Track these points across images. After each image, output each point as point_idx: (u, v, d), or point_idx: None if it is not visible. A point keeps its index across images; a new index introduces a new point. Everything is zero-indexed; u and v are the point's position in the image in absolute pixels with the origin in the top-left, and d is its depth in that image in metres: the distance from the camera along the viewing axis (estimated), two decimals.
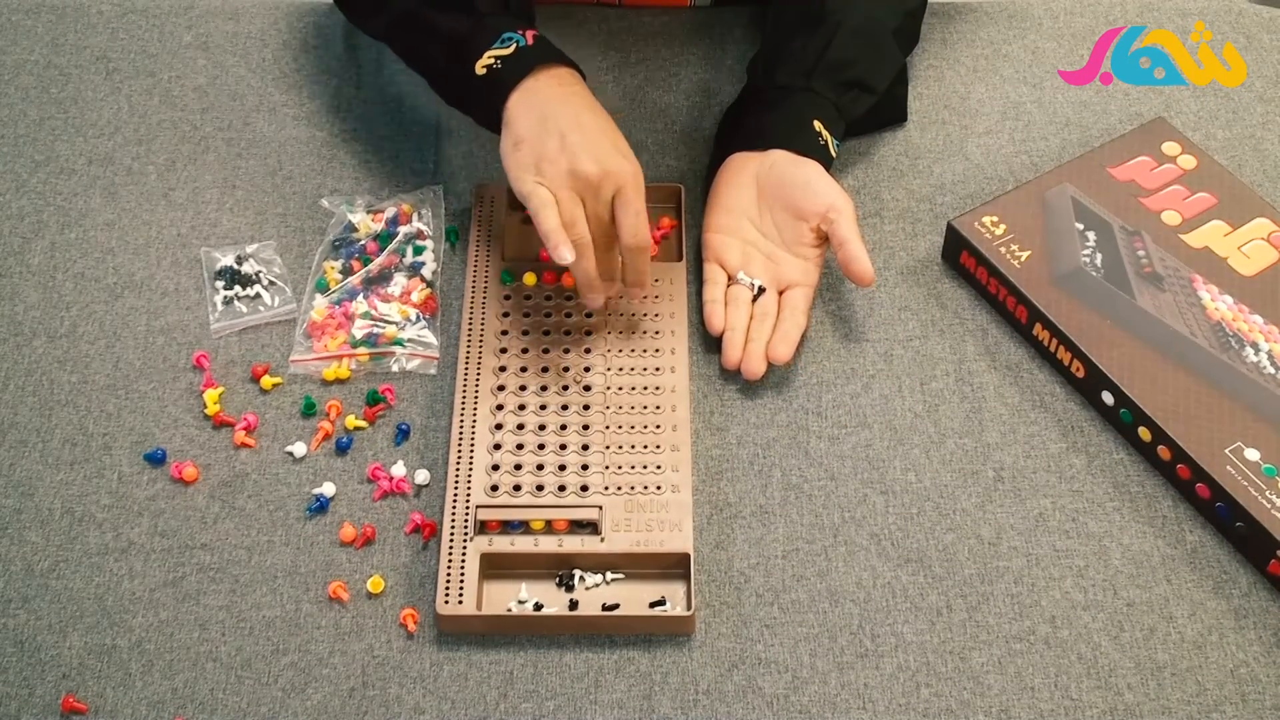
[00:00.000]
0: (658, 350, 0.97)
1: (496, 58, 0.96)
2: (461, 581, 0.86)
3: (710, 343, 1.00)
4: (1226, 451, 0.90)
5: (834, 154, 1.02)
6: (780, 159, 1.01)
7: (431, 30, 1.01)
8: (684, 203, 1.06)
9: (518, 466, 0.91)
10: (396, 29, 1.05)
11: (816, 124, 1.02)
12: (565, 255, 0.91)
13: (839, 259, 0.98)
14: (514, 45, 0.97)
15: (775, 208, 1.00)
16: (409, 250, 1.03)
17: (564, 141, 0.92)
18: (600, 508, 0.89)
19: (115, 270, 1.04)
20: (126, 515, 0.91)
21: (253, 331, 1.00)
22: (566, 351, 0.97)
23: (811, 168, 1.00)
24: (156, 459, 0.93)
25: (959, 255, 1.03)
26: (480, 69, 0.96)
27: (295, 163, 1.11)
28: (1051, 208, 1.03)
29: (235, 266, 1.03)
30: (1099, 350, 0.95)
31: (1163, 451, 0.92)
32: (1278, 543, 0.86)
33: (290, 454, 0.94)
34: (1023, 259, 1.00)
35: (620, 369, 0.96)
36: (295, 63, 1.18)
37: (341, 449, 0.94)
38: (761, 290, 0.99)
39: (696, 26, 1.20)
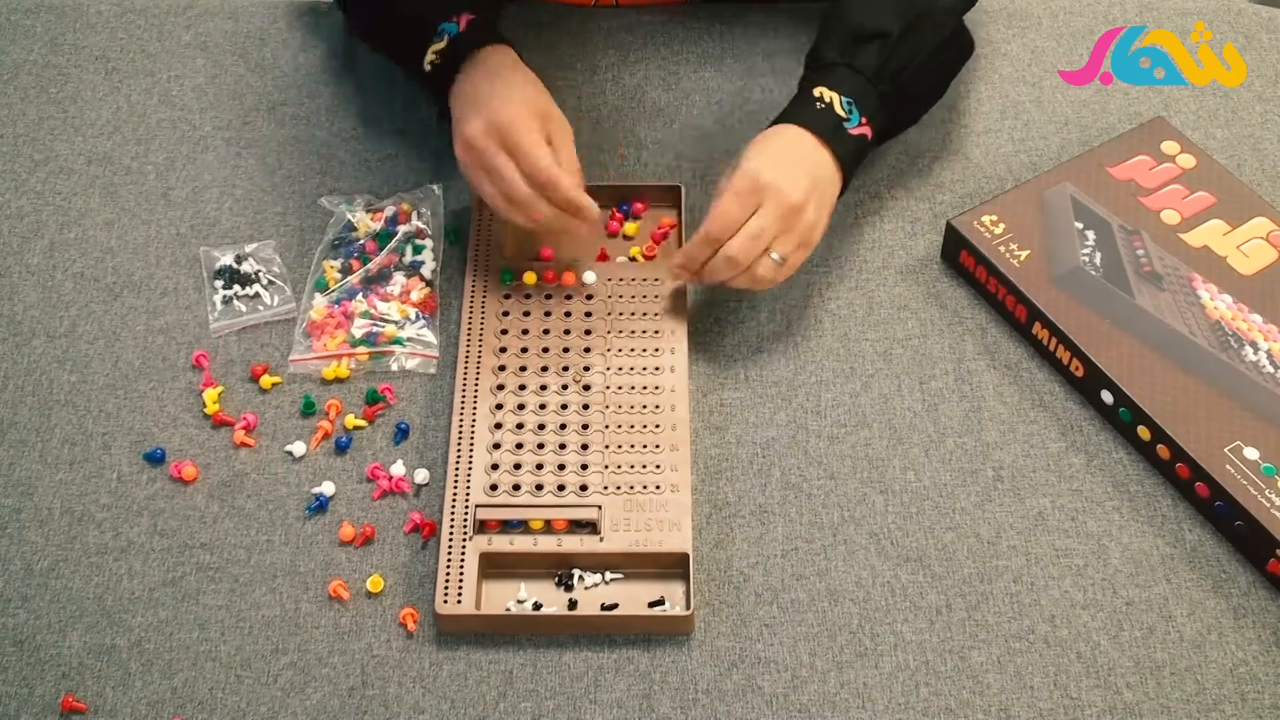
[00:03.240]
0: (657, 350, 0.97)
1: (436, 53, 1.00)
2: (461, 581, 0.86)
3: (710, 342, 1.00)
4: (1225, 450, 0.90)
5: (843, 113, 0.97)
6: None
7: (389, 33, 1.08)
8: (683, 202, 1.05)
9: (517, 466, 0.91)
10: (367, 37, 1.13)
11: (817, 90, 0.98)
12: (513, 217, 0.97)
13: None
14: (445, 38, 1.00)
15: None
16: (408, 249, 1.03)
17: (477, 114, 0.96)
18: (599, 507, 0.89)
19: (114, 270, 1.04)
20: (126, 515, 0.91)
21: (252, 331, 1.00)
22: (566, 351, 0.97)
23: (768, 131, 0.98)
24: (156, 458, 0.93)
25: (958, 254, 1.03)
26: (427, 66, 1.01)
27: (294, 162, 1.11)
28: (1051, 207, 1.03)
29: (234, 266, 1.03)
30: (1098, 349, 0.95)
31: (1162, 450, 0.92)
32: (1277, 542, 0.86)
33: (289, 453, 0.94)
34: (1022, 258, 1.00)
35: (620, 369, 0.96)
36: (294, 62, 1.18)
37: (341, 448, 0.94)
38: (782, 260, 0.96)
39: (696, 26, 1.20)
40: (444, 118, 1.01)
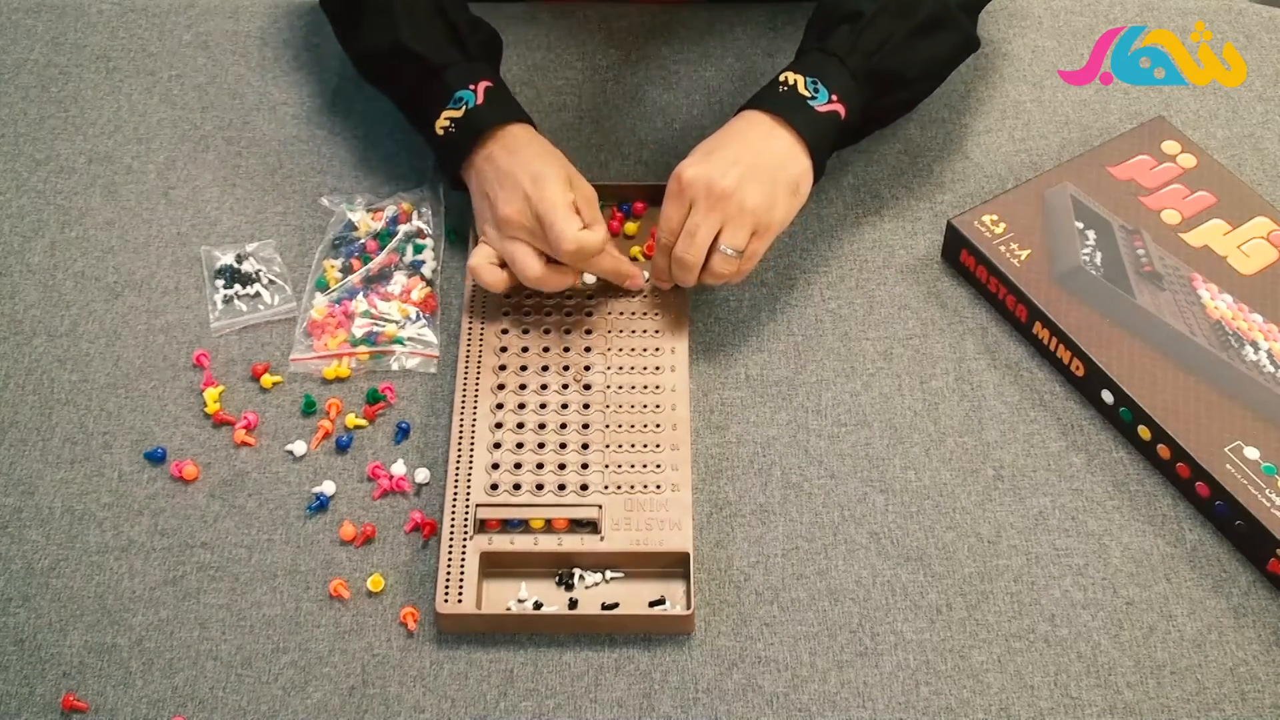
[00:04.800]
0: (658, 349, 0.97)
1: (451, 119, 0.98)
2: (461, 580, 0.86)
3: (710, 342, 1.00)
4: (1226, 450, 0.90)
5: (806, 91, 0.96)
6: None
7: (396, 79, 1.04)
8: None
9: (517, 465, 0.91)
10: (364, 66, 1.08)
11: (783, 76, 0.98)
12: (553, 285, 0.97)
13: None
14: (463, 107, 0.98)
15: None
16: (409, 249, 1.03)
17: (493, 203, 0.96)
18: (600, 506, 0.89)
19: (115, 269, 1.04)
20: (127, 514, 0.91)
21: (253, 330, 1.00)
22: (566, 350, 0.97)
23: (724, 128, 0.97)
24: (157, 457, 0.93)
25: (959, 254, 1.03)
26: (439, 130, 0.99)
27: (295, 161, 1.11)
28: (1051, 206, 1.03)
29: (235, 265, 1.03)
30: (1098, 349, 0.95)
31: (1162, 450, 0.92)
32: (1277, 541, 0.86)
33: (290, 452, 0.94)
34: (1022, 258, 1.00)
35: (620, 368, 0.96)
36: (295, 61, 1.18)
37: (341, 447, 0.94)
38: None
39: (697, 25, 1.20)
40: (449, 179, 1.02)
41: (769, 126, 0.96)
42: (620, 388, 0.95)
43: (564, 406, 0.94)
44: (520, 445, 0.92)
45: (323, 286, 1.02)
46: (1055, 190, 1.04)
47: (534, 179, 0.94)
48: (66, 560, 0.89)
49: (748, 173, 0.93)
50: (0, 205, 1.08)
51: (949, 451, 0.95)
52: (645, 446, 0.92)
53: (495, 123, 0.98)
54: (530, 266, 0.95)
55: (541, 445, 0.92)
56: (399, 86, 1.04)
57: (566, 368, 0.96)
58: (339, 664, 0.85)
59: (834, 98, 0.97)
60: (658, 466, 0.91)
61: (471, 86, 0.98)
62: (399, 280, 1.02)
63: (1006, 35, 1.21)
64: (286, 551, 0.90)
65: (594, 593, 0.87)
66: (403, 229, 1.04)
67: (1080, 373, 0.96)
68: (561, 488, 0.90)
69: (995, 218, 1.03)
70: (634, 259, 1.04)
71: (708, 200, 0.93)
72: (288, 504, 0.92)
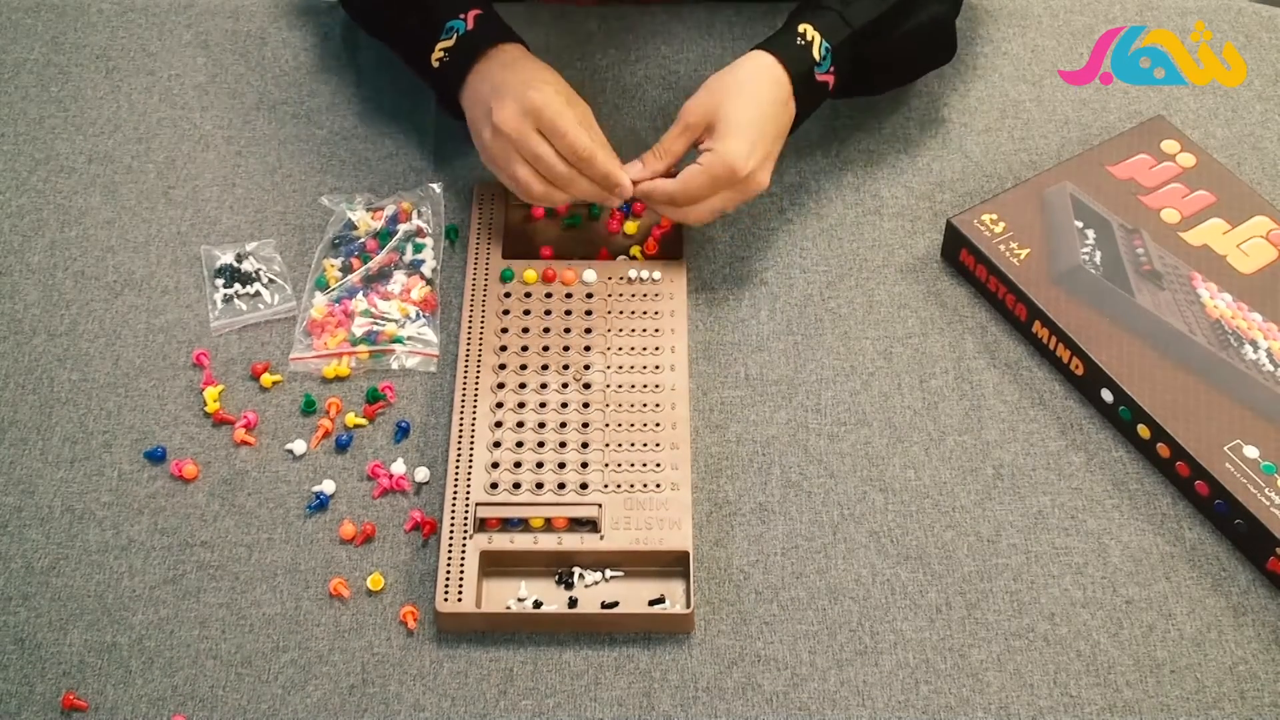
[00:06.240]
0: (658, 348, 0.97)
1: (444, 50, 1.01)
2: (461, 579, 0.86)
3: (710, 341, 1.00)
4: (1225, 449, 0.90)
5: (817, 56, 0.98)
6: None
7: (393, 26, 1.08)
8: None
9: (517, 464, 0.91)
10: (364, 20, 1.13)
11: (802, 26, 0.99)
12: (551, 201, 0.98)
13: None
14: (455, 35, 1.00)
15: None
16: (409, 248, 1.03)
17: (490, 114, 0.97)
18: (600, 505, 0.89)
19: (115, 268, 1.04)
20: (127, 513, 0.91)
21: (252, 329, 1.01)
22: (566, 349, 0.97)
23: (750, 65, 0.98)
24: (156, 457, 0.93)
25: (958, 253, 1.03)
26: (435, 63, 1.02)
27: (295, 161, 1.11)
28: (1051, 206, 1.03)
29: (235, 264, 1.03)
30: (1098, 348, 0.95)
31: (1162, 449, 0.92)
32: (1277, 540, 0.86)
33: (290, 452, 0.94)
34: (1022, 257, 1.00)
35: (620, 367, 0.97)
36: (295, 61, 1.18)
37: (341, 446, 0.94)
38: None
39: (697, 25, 1.20)
40: (450, 111, 1.03)
41: (785, 88, 0.97)
42: (620, 387, 0.96)
43: (564, 406, 0.94)
44: (520, 444, 0.92)
45: (322, 286, 1.02)
46: (1055, 189, 1.04)
47: (532, 85, 0.96)
48: (66, 559, 0.89)
49: (770, 158, 0.97)
50: (0, 205, 1.08)
51: (948, 450, 0.95)
52: (645, 446, 0.92)
53: (487, 44, 1.00)
54: (531, 184, 0.96)
55: (541, 444, 0.93)
56: (397, 33, 1.08)
57: (566, 367, 0.97)
58: (339, 663, 0.85)
59: (831, 70, 0.99)
60: (657, 466, 0.91)
61: (461, 15, 1.01)
62: (399, 279, 1.02)
63: (1006, 35, 1.21)
64: (286, 550, 0.90)
65: (594, 592, 0.87)
66: (402, 228, 1.04)
67: (1080, 372, 0.96)
68: (561, 487, 0.90)
69: (995, 217, 1.03)
70: (633, 258, 1.04)
71: (744, 194, 0.97)
72: (287, 503, 0.92)
